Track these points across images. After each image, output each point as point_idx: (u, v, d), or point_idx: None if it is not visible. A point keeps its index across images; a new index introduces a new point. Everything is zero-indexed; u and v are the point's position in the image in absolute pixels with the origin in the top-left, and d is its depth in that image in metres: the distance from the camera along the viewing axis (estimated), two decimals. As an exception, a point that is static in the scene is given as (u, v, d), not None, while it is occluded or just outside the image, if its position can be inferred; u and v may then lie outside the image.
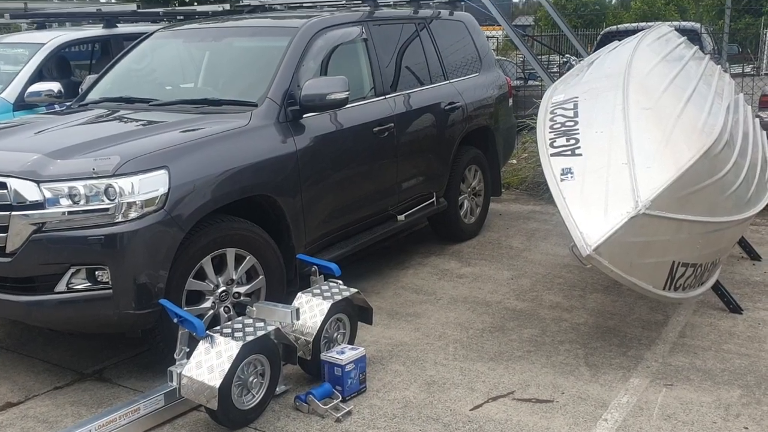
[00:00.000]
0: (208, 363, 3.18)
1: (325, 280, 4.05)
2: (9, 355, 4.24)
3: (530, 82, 12.37)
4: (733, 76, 10.11)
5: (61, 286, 3.50)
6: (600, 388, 3.69)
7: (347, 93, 4.42)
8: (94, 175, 3.46)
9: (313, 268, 4.09)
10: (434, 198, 5.74)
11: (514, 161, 8.69)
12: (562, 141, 4.00)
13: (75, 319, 3.57)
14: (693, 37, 9.89)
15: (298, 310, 3.67)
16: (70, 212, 3.44)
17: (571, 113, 4.24)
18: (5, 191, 3.50)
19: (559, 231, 6.21)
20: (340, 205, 4.73)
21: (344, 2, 6.03)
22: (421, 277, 5.42)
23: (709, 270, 4.20)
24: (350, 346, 3.78)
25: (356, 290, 3.99)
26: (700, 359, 3.98)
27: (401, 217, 5.35)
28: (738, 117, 4.88)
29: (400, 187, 5.33)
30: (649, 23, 10.01)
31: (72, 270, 3.48)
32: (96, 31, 7.24)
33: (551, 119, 4.27)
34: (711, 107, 4.37)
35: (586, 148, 3.87)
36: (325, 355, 3.64)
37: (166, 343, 3.69)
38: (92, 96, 5.06)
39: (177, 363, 3.31)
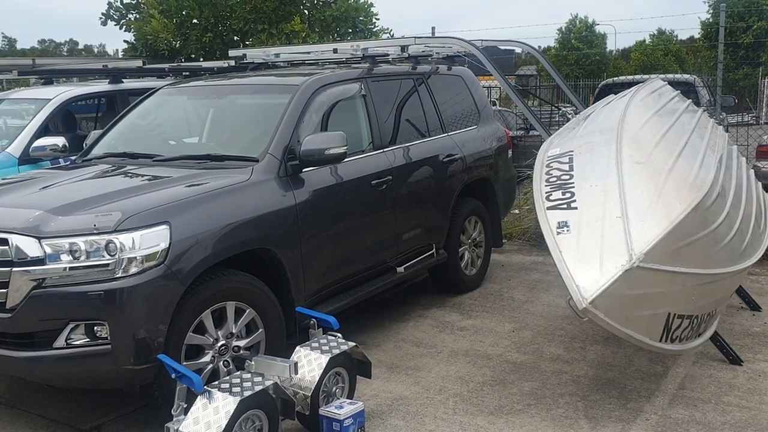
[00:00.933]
0: (205, 419, 3.19)
1: (323, 334, 4.07)
2: (8, 410, 4.24)
3: (531, 133, 12.52)
4: (731, 126, 10.28)
5: (60, 341, 3.52)
6: (599, 443, 3.67)
7: (345, 148, 4.51)
8: (95, 231, 3.52)
9: (312, 321, 4.12)
10: (434, 249, 5.78)
11: (516, 211, 8.76)
12: (558, 194, 4.06)
13: (74, 374, 3.59)
14: (689, 89, 10.08)
15: (296, 364, 3.68)
16: (70, 268, 3.49)
17: (566, 167, 4.31)
18: (6, 247, 3.56)
19: (561, 282, 6.17)
20: (339, 258, 4.77)
21: (344, 60, 6.18)
22: (421, 330, 5.43)
23: (706, 321, 4.20)
24: (349, 401, 3.78)
25: (354, 344, 4.00)
26: (699, 412, 3.96)
27: (401, 269, 5.39)
28: (731, 169, 4.95)
29: (400, 239, 5.38)
30: (646, 75, 10.20)
31: (71, 325, 3.51)
32: (102, 86, 7.41)
33: (547, 172, 4.34)
34: (702, 160, 4.43)
35: (581, 202, 3.93)
36: (323, 410, 3.64)
37: (164, 398, 3.70)
38: (96, 151, 5.16)
39: (174, 419, 3.31)
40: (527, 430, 3.83)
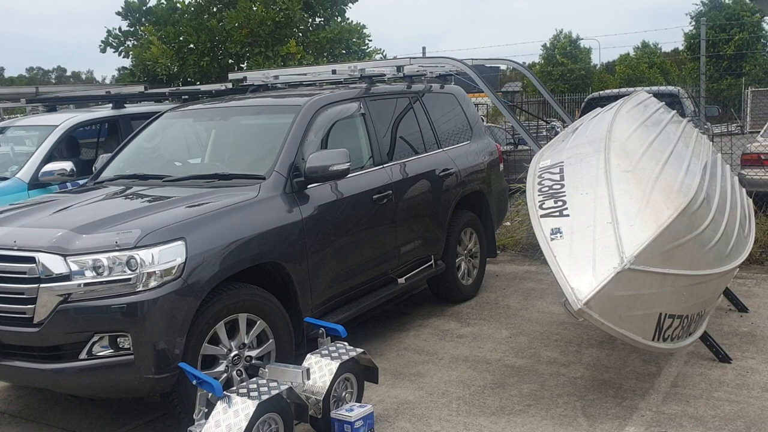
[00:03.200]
0: (226, 422, 3.37)
1: (331, 342, 4.26)
2: (28, 425, 4.40)
3: (520, 147, 12.79)
4: (717, 136, 10.57)
5: (84, 353, 3.70)
6: (598, 437, 3.87)
7: (348, 164, 4.73)
8: (116, 248, 3.72)
9: (321, 330, 4.31)
10: (432, 261, 5.99)
11: (509, 223, 8.99)
12: (550, 203, 4.29)
13: (98, 384, 3.76)
14: (674, 100, 10.38)
15: (308, 370, 3.87)
16: (94, 283, 3.68)
17: (557, 177, 4.55)
18: (33, 265, 3.75)
19: (554, 290, 6.43)
20: (343, 270, 4.97)
21: (342, 80, 6.42)
22: (422, 338, 5.62)
23: (695, 321, 4.42)
24: (358, 404, 3.97)
25: (362, 350, 4.20)
26: (692, 407, 4.17)
27: (401, 280, 5.59)
28: (716, 176, 5.20)
29: (400, 251, 5.59)
30: (632, 88, 10.49)
31: (95, 338, 3.70)
32: (105, 112, 7.62)
33: (539, 183, 4.57)
34: (688, 168, 4.68)
35: (573, 209, 4.16)
36: (334, 413, 3.83)
37: (182, 406, 3.87)
38: (107, 174, 5.36)
39: (196, 423, 3.49)
40: (528, 428, 4.02)
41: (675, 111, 6.63)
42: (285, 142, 4.79)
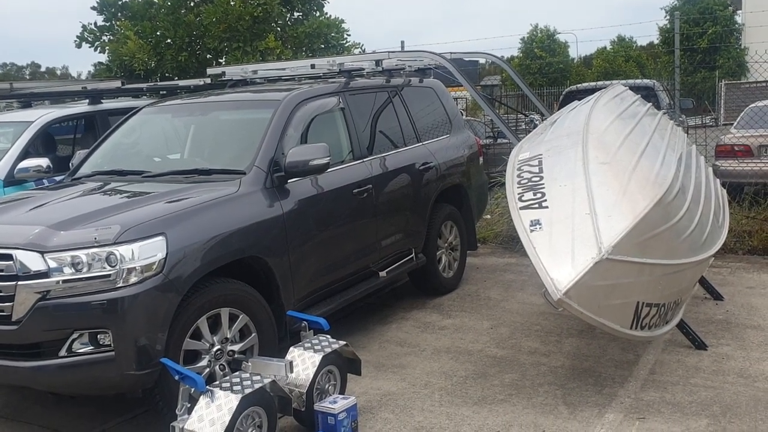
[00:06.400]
0: (209, 416, 3.37)
1: (314, 335, 4.27)
2: (9, 423, 4.37)
3: (499, 140, 12.87)
4: (692, 128, 10.71)
5: (64, 350, 3.68)
6: (578, 425, 3.92)
7: (328, 158, 4.74)
8: (96, 244, 3.70)
9: (303, 324, 4.32)
10: (413, 254, 6.02)
11: (488, 216, 9.05)
12: (529, 195, 4.33)
13: (79, 381, 3.74)
14: (649, 93, 10.49)
15: (291, 363, 3.89)
16: (73, 279, 3.66)
17: (536, 169, 4.59)
18: (11, 262, 3.72)
19: (535, 281, 6.49)
20: (325, 264, 4.98)
21: (321, 75, 6.41)
22: (404, 331, 5.66)
23: (672, 309, 4.50)
24: (342, 396, 3.99)
25: (345, 343, 4.22)
26: (669, 393, 4.25)
27: (383, 274, 5.61)
28: (690, 167, 5.28)
29: (381, 244, 5.61)
30: (608, 81, 10.59)
31: (75, 335, 3.67)
32: (81, 107, 7.52)
33: (518, 175, 4.61)
34: (663, 159, 4.74)
35: (551, 201, 4.21)
36: (318, 405, 3.85)
37: (165, 401, 3.87)
38: (84, 170, 5.32)
39: (179, 418, 3.49)
40: (510, 417, 4.07)
41: (650, 104, 6.71)
42: (265, 136, 4.78)
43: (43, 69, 76.76)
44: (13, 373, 3.78)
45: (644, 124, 5.58)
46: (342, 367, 4.18)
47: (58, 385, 3.83)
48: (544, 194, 4.28)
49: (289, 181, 4.75)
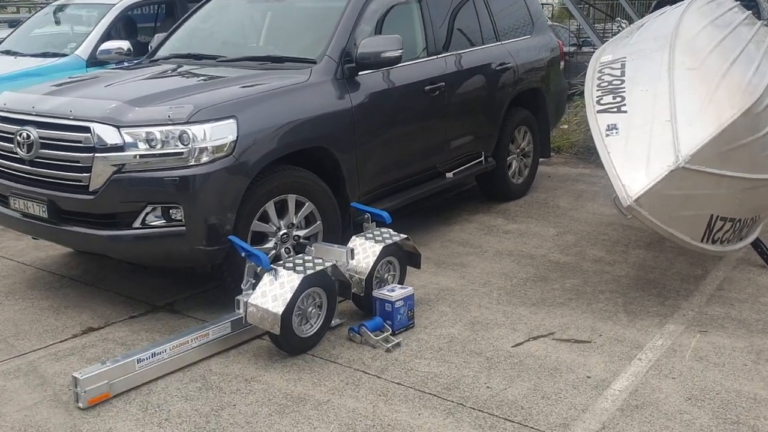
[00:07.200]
0: (272, 292, 3.50)
1: (376, 227, 4.32)
2: (88, 288, 4.65)
3: (584, 49, 12.33)
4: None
5: (138, 222, 3.85)
6: (636, 332, 3.89)
7: (401, 51, 4.64)
8: (169, 122, 3.78)
9: (366, 216, 4.37)
10: (483, 157, 5.93)
11: (565, 126, 8.79)
12: (608, 98, 4.17)
13: (152, 252, 3.93)
14: (750, 3, 9.76)
15: (352, 250, 3.97)
16: (147, 155, 3.78)
17: (618, 72, 4.40)
18: (89, 134, 3.85)
19: (606, 193, 6.34)
20: (391, 160, 4.97)
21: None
22: (467, 232, 5.66)
23: (748, 226, 4.33)
24: (400, 285, 4.07)
25: (406, 236, 4.26)
26: (735, 310, 4.14)
27: (449, 175, 5.57)
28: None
29: (449, 145, 5.54)
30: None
31: (148, 208, 3.83)
32: (162, -7, 7.59)
33: (599, 78, 4.43)
34: (757, 68, 4.44)
35: (631, 106, 4.04)
36: (376, 292, 3.93)
37: (233, 278, 4.02)
38: (162, 53, 5.39)
39: (244, 293, 3.64)
40: (567, 320, 4.07)
41: (750, 12, 6.25)
42: (337, 26, 4.71)
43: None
44: (91, 241, 3.99)
45: (740, 32, 5.20)
46: (402, 259, 4.24)
47: (132, 254, 4.04)
48: (623, 98, 4.11)
49: (360, 73, 4.69)
